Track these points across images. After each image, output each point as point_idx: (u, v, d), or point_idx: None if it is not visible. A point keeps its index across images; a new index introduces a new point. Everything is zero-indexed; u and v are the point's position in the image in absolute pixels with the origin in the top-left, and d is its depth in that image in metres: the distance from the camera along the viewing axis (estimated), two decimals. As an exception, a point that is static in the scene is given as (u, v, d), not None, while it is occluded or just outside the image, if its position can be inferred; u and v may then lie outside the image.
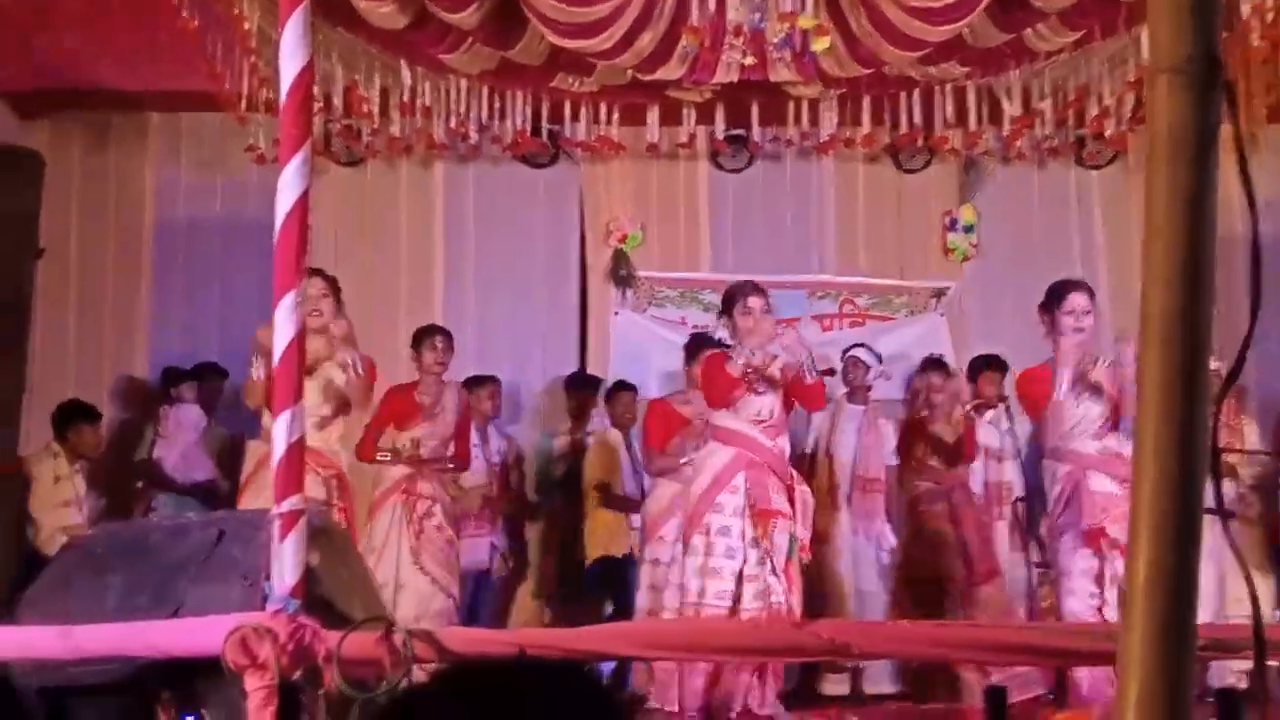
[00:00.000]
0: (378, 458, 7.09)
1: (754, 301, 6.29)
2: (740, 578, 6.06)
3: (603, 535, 8.13)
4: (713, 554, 6.09)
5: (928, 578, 7.25)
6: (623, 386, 8.43)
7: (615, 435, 8.29)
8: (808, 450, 8.11)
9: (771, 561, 6.06)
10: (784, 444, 6.41)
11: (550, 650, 2.67)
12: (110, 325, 9.17)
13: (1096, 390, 6.06)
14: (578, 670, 1.36)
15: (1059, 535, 6.11)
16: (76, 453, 7.74)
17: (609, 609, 8.13)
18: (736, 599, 6.06)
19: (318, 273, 6.23)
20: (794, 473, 6.52)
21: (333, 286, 6.28)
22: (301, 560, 2.91)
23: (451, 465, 7.41)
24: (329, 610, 3.00)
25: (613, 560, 8.11)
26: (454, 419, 7.39)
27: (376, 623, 2.67)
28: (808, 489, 6.55)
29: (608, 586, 8.14)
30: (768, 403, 6.27)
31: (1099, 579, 5.88)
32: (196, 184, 9.33)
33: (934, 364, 7.77)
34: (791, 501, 6.23)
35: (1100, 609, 5.85)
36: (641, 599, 7.23)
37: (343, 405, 6.19)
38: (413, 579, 6.96)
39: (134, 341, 9.19)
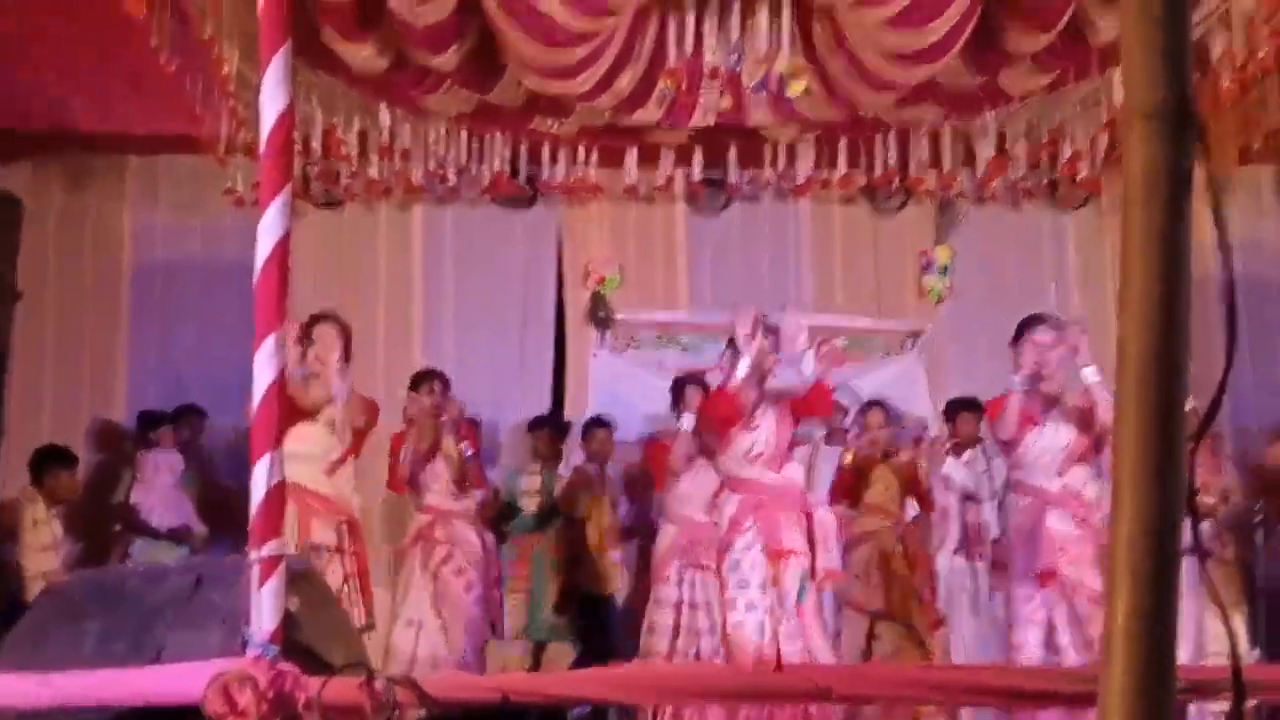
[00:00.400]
0: (403, 475, 7.21)
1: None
2: (770, 620, 6.09)
3: (582, 571, 8.13)
4: (735, 608, 6.15)
5: (881, 615, 7.24)
6: (598, 424, 8.45)
7: (590, 470, 8.29)
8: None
9: (785, 605, 6.10)
10: (794, 471, 6.45)
11: (531, 696, 2.65)
12: (88, 368, 9.13)
13: (1066, 416, 6.11)
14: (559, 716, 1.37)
15: (1017, 578, 6.12)
16: (54, 497, 7.69)
17: (575, 650, 8.10)
18: (760, 630, 6.09)
19: (330, 318, 6.23)
20: (810, 498, 6.55)
21: (345, 333, 6.27)
22: (281, 605, 2.90)
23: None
24: (309, 656, 2.98)
25: (591, 597, 8.10)
26: (455, 453, 7.45)
27: (357, 669, 2.66)
28: (827, 512, 6.59)
29: (582, 621, 8.12)
30: (762, 435, 6.31)
31: (1049, 626, 5.90)
32: (174, 226, 9.32)
33: (873, 404, 7.81)
34: (810, 531, 6.26)
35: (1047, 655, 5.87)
36: (647, 641, 7.22)
37: (351, 448, 6.19)
38: (431, 622, 7.07)
39: (112, 384, 9.14)
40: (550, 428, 8.68)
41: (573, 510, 8.20)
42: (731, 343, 6.50)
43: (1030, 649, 5.93)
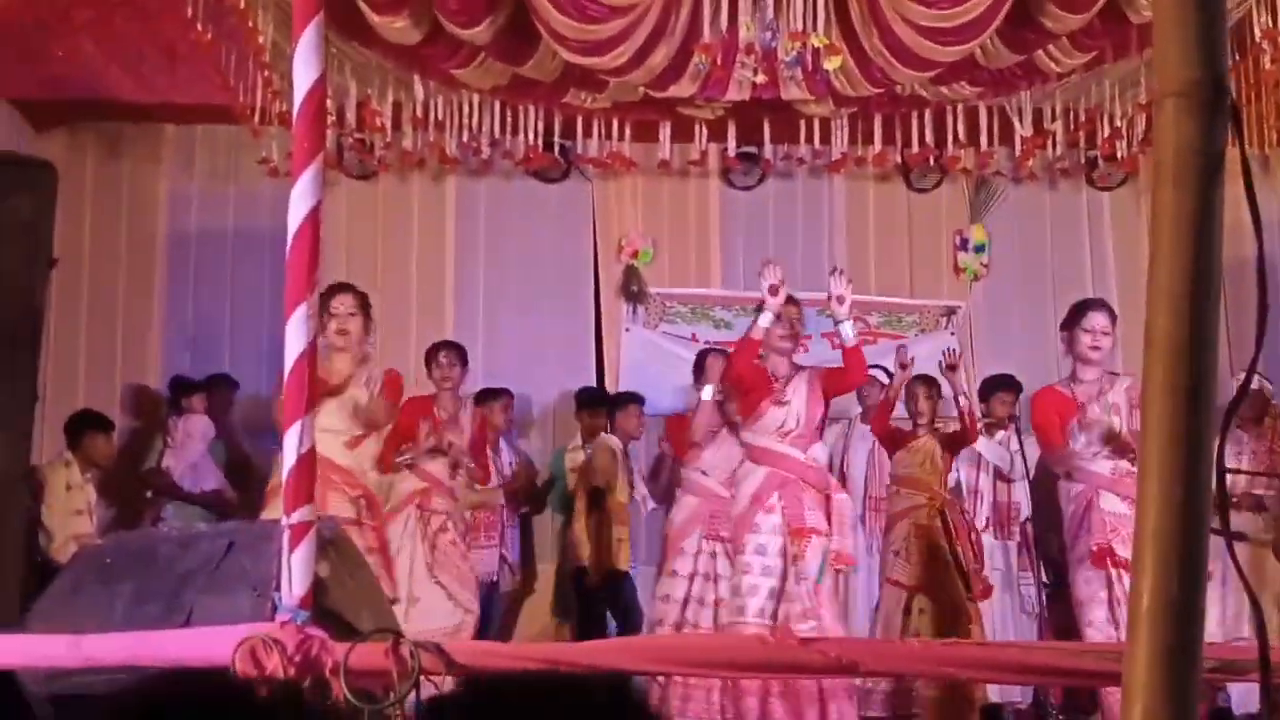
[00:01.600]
0: (396, 460, 7.06)
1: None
2: (786, 597, 6.11)
3: (596, 547, 8.13)
4: (750, 572, 6.17)
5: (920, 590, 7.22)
6: (630, 399, 8.45)
7: (615, 442, 8.28)
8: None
9: (803, 584, 6.11)
10: (819, 452, 6.46)
11: (556, 664, 2.67)
12: (122, 335, 9.20)
13: (1114, 412, 6.06)
14: (614, 685, 1.38)
15: (1076, 562, 6.08)
16: (89, 462, 7.77)
17: (612, 624, 8.12)
18: (774, 616, 6.11)
19: (348, 288, 6.15)
20: (832, 480, 6.55)
21: (362, 303, 6.16)
22: (310, 571, 2.92)
23: (470, 471, 7.43)
24: (338, 621, 3.00)
25: (609, 573, 8.11)
26: (469, 434, 7.41)
27: (384, 634, 2.68)
28: (846, 496, 6.60)
29: (599, 596, 8.14)
30: (793, 411, 6.31)
31: (1112, 605, 5.87)
32: (209, 195, 9.37)
33: (921, 378, 7.72)
34: (830, 513, 6.27)
35: (1118, 635, 5.84)
36: (657, 610, 7.22)
37: (371, 420, 6.10)
38: (428, 593, 6.96)
39: (145, 351, 9.22)
40: (595, 404, 8.69)
41: (587, 485, 8.21)
42: (759, 308, 6.49)
43: (1099, 626, 5.91)
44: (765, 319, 6.27)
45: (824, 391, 6.42)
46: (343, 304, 6.00)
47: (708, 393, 7.02)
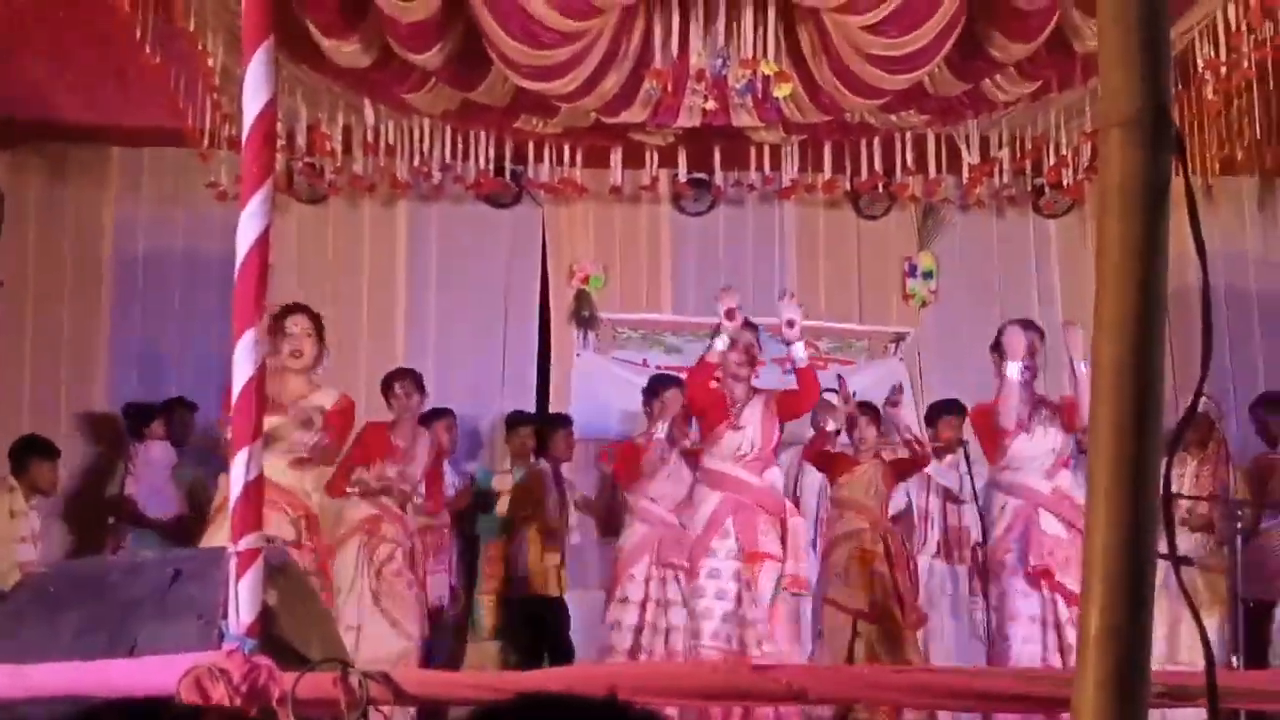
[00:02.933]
0: (348, 490, 7.00)
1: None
2: (740, 621, 6.12)
3: (529, 573, 8.10)
4: (705, 596, 6.20)
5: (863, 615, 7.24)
6: (560, 422, 8.45)
7: (545, 466, 8.27)
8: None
9: (757, 608, 6.13)
10: (773, 476, 6.51)
11: (508, 692, 2.65)
12: (68, 359, 9.09)
13: (1053, 419, 6.14)
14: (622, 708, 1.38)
15: (1006, 572, 6.14)
16: (34, 488, 7.66)
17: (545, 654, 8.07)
18: (729, 640, 6.11)
19: (302, 309, 6.11)
20: (787, 504, 6.58)
21: (316, 325, 6.11)
22: (258, 599, 2.89)
23: (420, 505, 7.38)
24: (286, 650, 2.98)
25: (540, 600, 8.08)
26: (425, 463, 7.35)
27: (333, 663, 2.66)
28: (801, 520, 6.63)
29: (534, 626, 8.08)
30: (748, 435, 6.36)
31: (1044, 623, 5.93)
32: (157, 218, 9.28)
33: (863, 405, 7.77)
34: (784, 537, 6.30)
35: (1045, 655, 5.89)
36: (609, 637, 7.19)
37: (321, 453, 6.03)
38: (371, 622, 6.89)
39: (92, 376, 9.11)
40: (525, 426, 8.67)
41: (518, 510, 8.18)
42: (715, 332, 6.53)
43: (1019, 643, 5.95)
44: (721, 342, 6.31)
45: (779, 414, 6.47)
46: (297, 324, 5.96)
47: (661, 430, 7.01)
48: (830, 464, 7.39)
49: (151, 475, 8.29)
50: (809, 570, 6.99)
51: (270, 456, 5.84)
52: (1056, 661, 5.88)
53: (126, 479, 8.29)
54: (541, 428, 8.55)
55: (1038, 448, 6.18)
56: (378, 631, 6.87)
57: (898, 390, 7.41)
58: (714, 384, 6.39)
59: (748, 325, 6.47)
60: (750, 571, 6.17)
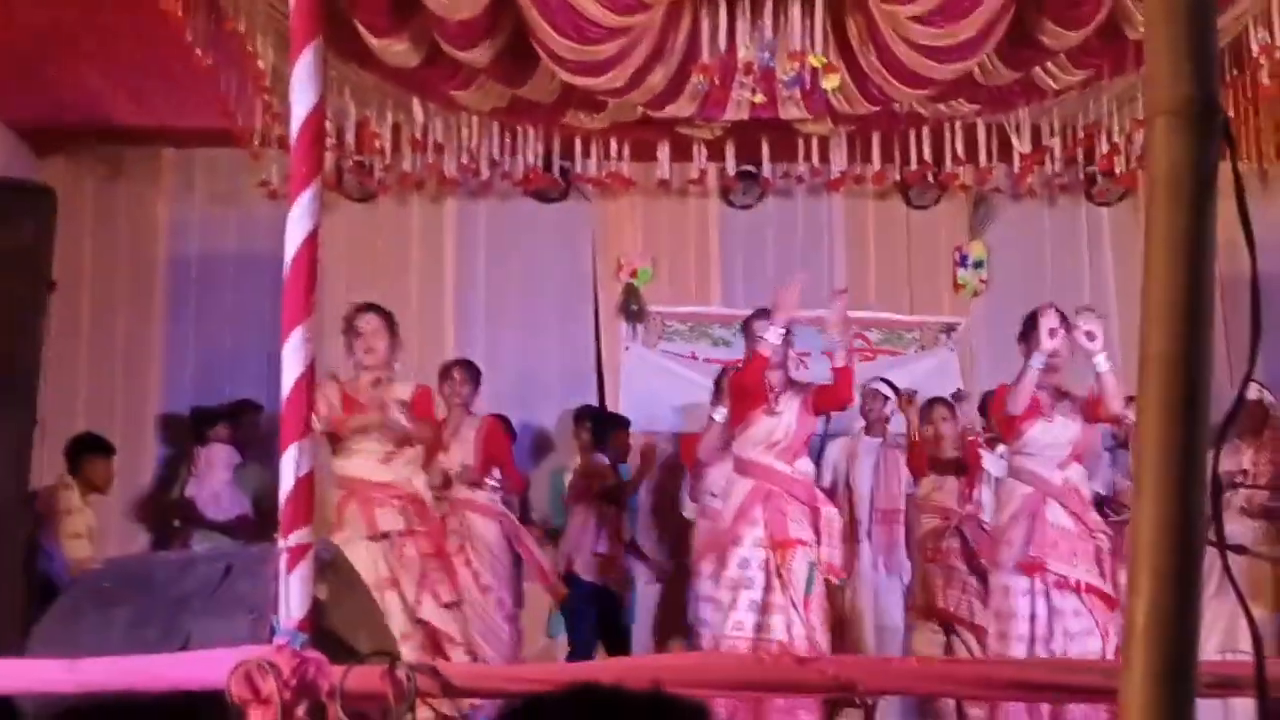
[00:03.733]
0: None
1: (758, 325, 6.46)
2: (764, 608, 6.11)
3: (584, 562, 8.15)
4: (733, 586, 6.17)
5: (942, 614, 7.24)
6: (620, 423, 8.47)
7: (603, 461, 8.30)
8: (825, 484, 8.07)
9: (791, 594, 6.11)
10: (805, 465, 6.49)
11: (555, 685, 2.66)
12: (122, 359, 9.20)
13: (1074, 411, 6.09)
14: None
15: (1005, 567, 6.08)
16: (89, 485, 7.77)
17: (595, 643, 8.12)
18: (757, 629, 6.11)
19: (373, 307, 6.18)
20: (819, 493, 6.57)
21: (388, 322, 6.16)
22: (308, 594, 2.92)
23: (499, 487, 7.49)
24: (335, 644, 3.00)
25: (599, 589, 8.10)
26: (479, 447, 7.39)
27: (381, 657, 2.67)
28: (834, 509, 6.61)
29: (592, 615, 8.12)
30: (783, 422, 6.35)
31: (1033, 618, 5.89)
32: (209, 219, 9.38)
33: (936, 400, 7.79)
34: (817, 526, 6.28)
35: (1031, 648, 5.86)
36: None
37: (406, 439, 6.08)
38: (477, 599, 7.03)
39: (146, 375, 9.22)
40: (591, 420, 8.70)
41: (573, 499, 8.24)
42: (746, 327, 6.52)
43: (1014, 642, 5.92)
44: (774, 335, 6.29)
45: (814, 407, 6.46)
46: (368, 323, 6.03)
47: (720, 414, 6.98)
48: (925, 469, 7.46)
49: (212, 478, 8.39)
50: (859, 555, 6.96)
51: (360, 456, 5.93)
52: (1039, 654, 5.84)
53: (189, 481, 8.40)
54: (598, 425, 8.57)
55: (1056, 436, 6.12)
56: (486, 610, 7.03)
57: (961, 392, 7.46)
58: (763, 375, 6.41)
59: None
60: (781, 557, 6.15)
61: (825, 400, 6.53)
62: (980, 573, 7.31)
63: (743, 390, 6.46)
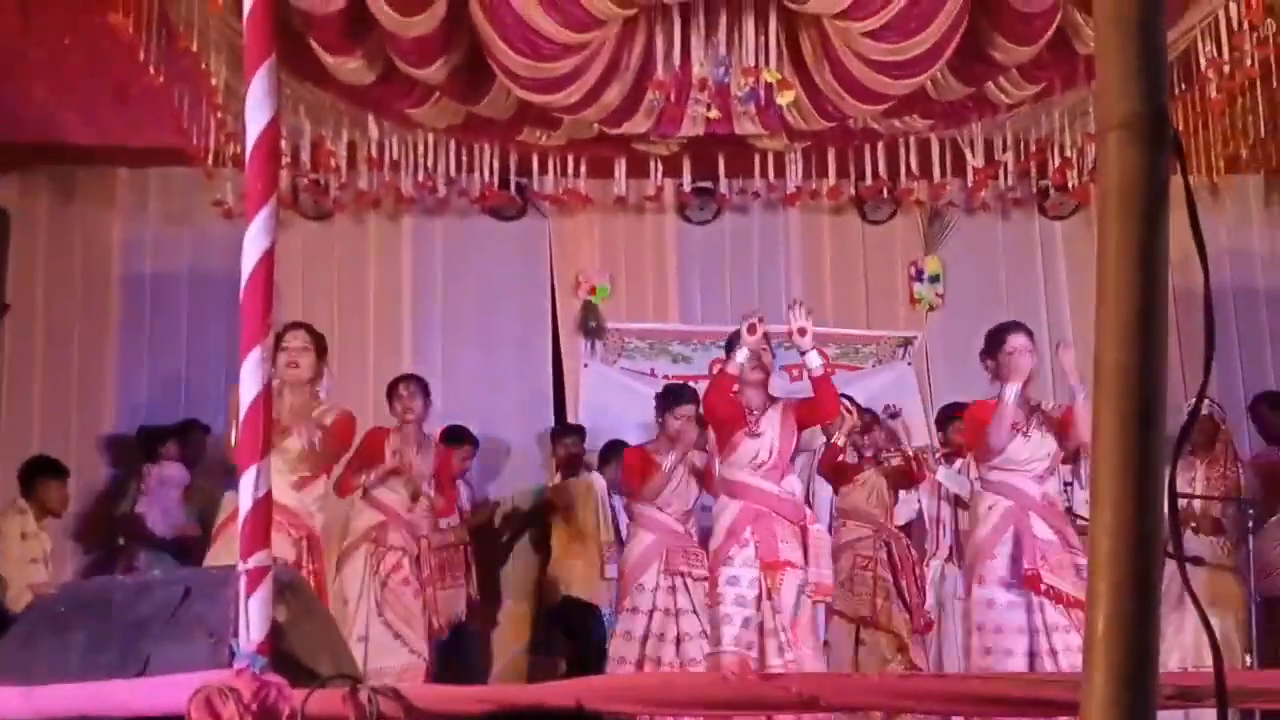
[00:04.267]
0: (356, 483, 6.97)
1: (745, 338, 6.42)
2: (760, 629, 6.11)
3: (572, 579, 8.13)
4: (723, 602, 6.18)
5: (866, 622, 7.31)
6: (618, 448, 8.48)
7: (599, 481, 8.30)
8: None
9: (780, 619, 6.11)
10: (793, 483, 6.49)
11: (521, 705, 2.65)
12: (77, 379, 9.10)
13: (1049, 426, 6.11)
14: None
15: (993, 579, 6.06)
16: (44, 509, 7.68)
17: (561, 664, 8.09)
18: (750, 645, 6.10)
19: (302, 325, 6.14)
20: (808, 511, 6.56)
21: (317, 342, 6.11)
22: (268, 617, 2.89)
23: (431, 500, 7.38)
24: (296, 667, 2.97)
25: (578, 604, 8.10)
26: (427, 469, 7.32)
27: (342, 680, 2.66)
28: (821, 527, 6.61)
29: (569, 632, 8.12)
30: (765, 443, 6.35)
31: (1031, 631, 5.89)
32: (164, 238, 9.30)
33: (865, 411, 7.82)
34: (806, 544, 6.29)
35: (1032, 663, 5.87)
36: (617, 647, 7.16)
37: (322, 463, 6.03)
38: (376, 631, 6.87)
39: (101, 396, 9.12)
40: (570, 437, 8.71)
41: (553, 515, 8.26)
42: (729, 345, 6.53)
43: (1001, 655, 5.93)
44: (741, 355, 6.29)
45: (798, 422, 6.46)
46: (295, 339, 5.97)
47: (667, 464, 6.92)
48: (837, 474, 7.43)
49: (164, 496, 8.31)
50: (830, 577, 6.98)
51: (273, 476, 5.85)
52: (1047, 668, 5.84)
53: (139, 499, 8.30)
54: (605, 451, 8.56)
55: (1034, 452, 6.12)
56: (382, 642, 6.86)
57: (895, 406, 7.47)
58: (732, 394, 6.39)
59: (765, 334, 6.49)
60: (771, 580, 6.15)
61: (810, 415, 6.52)
62: (898, 584, 7.37)
63: (716, 414, 6.46)
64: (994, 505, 6.09)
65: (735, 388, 6.39)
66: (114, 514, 8.49)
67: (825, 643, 7.26)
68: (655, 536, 7.12)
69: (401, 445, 7.16)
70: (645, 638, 6.99)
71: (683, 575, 7.00)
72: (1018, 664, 5.84)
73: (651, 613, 7.02)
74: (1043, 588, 5.84)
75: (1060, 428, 6.11)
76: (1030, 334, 6.20)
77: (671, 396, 7.20)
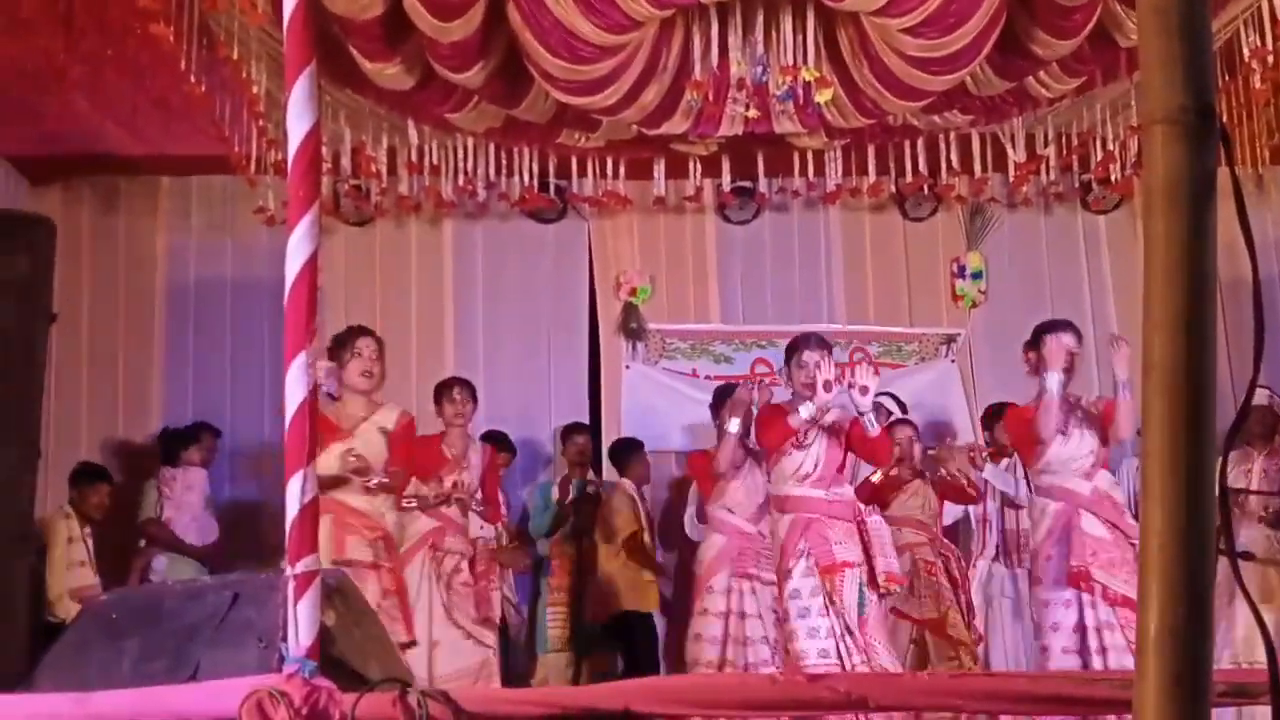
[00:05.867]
0: (404, 505, 6.96)
1: (808, 356, 6.34)
2: (830, 633, 6.08)
3: (623, 589, 8.14)
4: (790, 618, 6.17)
5: (929, 625, 7.31)
6: (636, 445, 8.48)
7: (631, 487, 8.31)
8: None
9: (845, 620, 6.08)
10: (842, 489, 6.42)
11: (570, 709, 2.66)
12: (122, 388, 9.19)
13: (1089, 423, 6.08)
14: None
15: (1048, 580, 6.08)
16: (86, 514, 7.78)
17: (619, 664, 8.10)
18: (822, 654, 6.08)
19: (370, 332, 6.19)
20: (861, 507, 6.52)
21: (381, 347, 6.20)
22: (316, 621, 2.90)
23: (481, 513, 7.42)
24: (345, 670, 2.99)
25: (631, 615, 8.11)
26: (479, 473, 7.40)
27: (392, 683, 2.67)
28: (880, 519, 6.58)
29: (622, 640, 8.14)
30: (813, 455, 6.31)
31: (1083, 630, 5.87)
32: (207, 246, 9.38)
33: (900, 423, 7.82)
34: (866, 540, 6.25)
35: (1084, 660, 5.85)
36: (693, 651, 7.15)
37: (390, 468, 6.09)
38: (447, 635, 6.94)
39: (147, 403, 9.21)
40: (580, 435, 8.71)
41: (624, 525, 8.22)
42: (789, 359, 6.49)
43: (1058, 656, 5.90)
44: (806, 411, 6.24)
45: (848, 445, 6.40)
46: (367, 346, 6.04)
47: (734, 426, 6.89)
48: (880, 495, 7.42)
49: (190, 501, 8.35)
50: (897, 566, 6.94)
51: (344, 483, 5.92)
52: (1097, 666, 5.82)
53: (163, 504, 8.32)
54: (616, 454, 8.58)
55: (1075, 450, 6.11)
56: (454, 644, 6.93)
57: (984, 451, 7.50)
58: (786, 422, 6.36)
59: (823, 346, 6.43)
60: (830, 583, 6.11)
61: (861, 450, 6.45)
62: (957, 587, 7.38)
63: (768, 441, 6.45)
64: (1045, 509, 6.13)
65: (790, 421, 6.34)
66: (135, 518, 8.48)
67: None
68: (725, 539, 7.14)
69: (450, 452, 7.22)
70: (725, 640, 6.99)
71: (751, 579, 7.01)
72: (1073, 662, 5.82)
73: (727, 615, 7.02)
74: (1093, 585, 5.80)
75: (1101, 423, 6.09)
76: (1079, 334, 6.17)
77: (723, 391, 7.31)
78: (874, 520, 6.48)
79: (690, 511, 8.11)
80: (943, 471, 7.71)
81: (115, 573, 8.08)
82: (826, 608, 6.11)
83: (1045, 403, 6.05)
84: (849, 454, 6.45)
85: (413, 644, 6.18)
